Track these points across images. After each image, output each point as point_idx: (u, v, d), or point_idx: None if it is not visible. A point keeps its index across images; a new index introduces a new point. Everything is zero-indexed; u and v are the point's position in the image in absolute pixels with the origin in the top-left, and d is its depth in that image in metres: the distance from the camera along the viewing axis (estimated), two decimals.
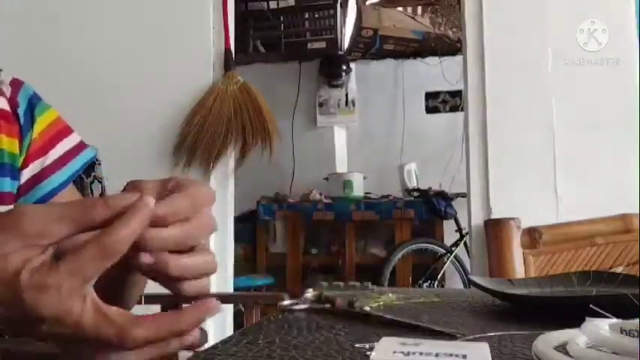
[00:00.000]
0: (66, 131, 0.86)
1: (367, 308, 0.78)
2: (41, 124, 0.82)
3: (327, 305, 0.82)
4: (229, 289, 2.42)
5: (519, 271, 2.17)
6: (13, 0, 2.51)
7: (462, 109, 3.03)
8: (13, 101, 0.80)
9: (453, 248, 4.34)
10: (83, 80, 2.48)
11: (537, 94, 2.33)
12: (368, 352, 0.54)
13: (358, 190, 4.73)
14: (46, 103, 0.86)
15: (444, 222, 4.57)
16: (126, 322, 0.48)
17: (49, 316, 0.46)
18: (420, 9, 4.97)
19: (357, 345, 0.60)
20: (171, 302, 1.84)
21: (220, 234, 2.41)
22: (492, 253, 2.24)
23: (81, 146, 0.87)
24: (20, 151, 0.80)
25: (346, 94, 5.26)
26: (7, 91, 0.81)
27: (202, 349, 0.60)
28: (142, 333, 0.48)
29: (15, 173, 0.78)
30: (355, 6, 4.96)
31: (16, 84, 0.82)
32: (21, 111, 0.80)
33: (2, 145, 0.77)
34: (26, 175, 0.80)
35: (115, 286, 0.67)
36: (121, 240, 0.47)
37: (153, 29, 2.50)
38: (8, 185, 0.77)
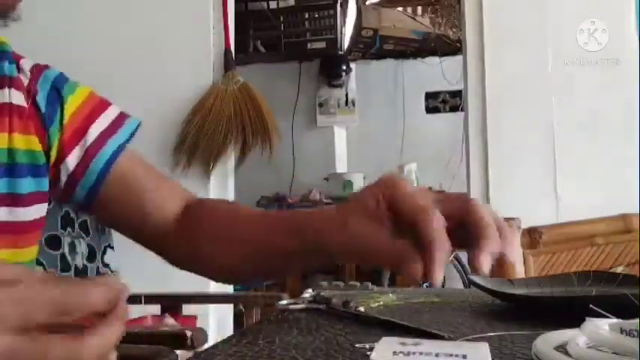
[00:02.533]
0: (102, 106, 0.82)
1: (361, 309, 0.78)
2: (72, 105, 0.79)
3: (323, 305, 0.82)
4: (229, 289, 2.42)
5: (519, 271, 2.17)
6: None
7: (462, 109, 3.04)
8: (31, 90, 0.76)
9: None
10: (83, 80, 2.48)
11: (537, 94, 2.33)
12: (368, 352, 0.54)
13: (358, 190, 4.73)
14: (75, 82, 0.82)
15: None
16: None
17: None
18: (420, 9, 4.97)
19: (357, 345, 0.60)
20: (172, 302, 1.84)
21: None
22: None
23: (122, 117, 0.84)
24: (47, 145, 0.75)
25: (346, 94, 5.26)
26: (26, 80, 0.76)
27: (202, 349, 0.60)
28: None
29: (39, 171, 0.74)
30: (355, 6, 4.96)
31: (36, 70, 0.78)
32: (41, 98, 0.76)
33: (15, 144, 0.72)
34: (72, 162, 0.76)
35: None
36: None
37: (153, 29, 2.50)
38: (29, 186, 0.73)
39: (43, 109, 0.76)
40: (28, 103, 0.75)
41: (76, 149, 0.77)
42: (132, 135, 0.85)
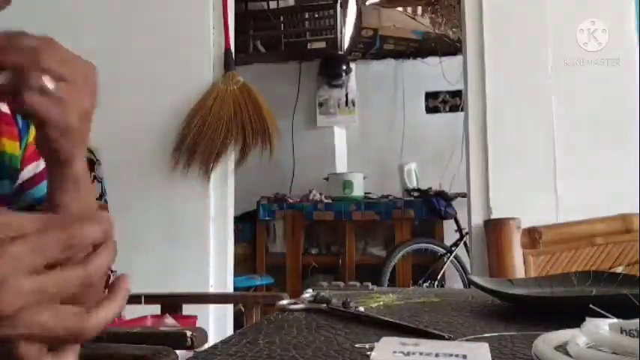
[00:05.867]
0: None
1: (361, 309, 0.78)
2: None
3: (324, 305, 0.82)
4: (229, 289, 2.42)
5: (519, 271, 2.17)
6: None
7: (462, 109, 3.04)
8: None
9: (453, 248, 4.34)
10: None
11: (537, 94, 2.33)
12: (368, 352, 0.54)
13: (358, 190, 4.73)
14: None
15: (444, 222, 4.56)
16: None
17: None
18: (420, 9, 4.97)
19: (357, 345, 0.60)
20: (172, 302, 1.84)
21: (220, 234, 2.41)
22: (492, 253, 2.24)
23: None
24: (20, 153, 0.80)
25: (346, 94, 5.26)
26: None
27: (202, 349, 0.60)
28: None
29: (15, 175, 0.79)
30: (355, 6, 4.96)
31: None
32: (18, 115, 0.81)
33: (4, 148, 0.77)
34: (27, 175, 0.80)
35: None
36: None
37: (153, 29, 2.50)
38: (7, 187, 0.78)
39: (20, 125, 0.81)
40: (11, 114, 0.80)
41: (27, 169, 0.80)
42: None
